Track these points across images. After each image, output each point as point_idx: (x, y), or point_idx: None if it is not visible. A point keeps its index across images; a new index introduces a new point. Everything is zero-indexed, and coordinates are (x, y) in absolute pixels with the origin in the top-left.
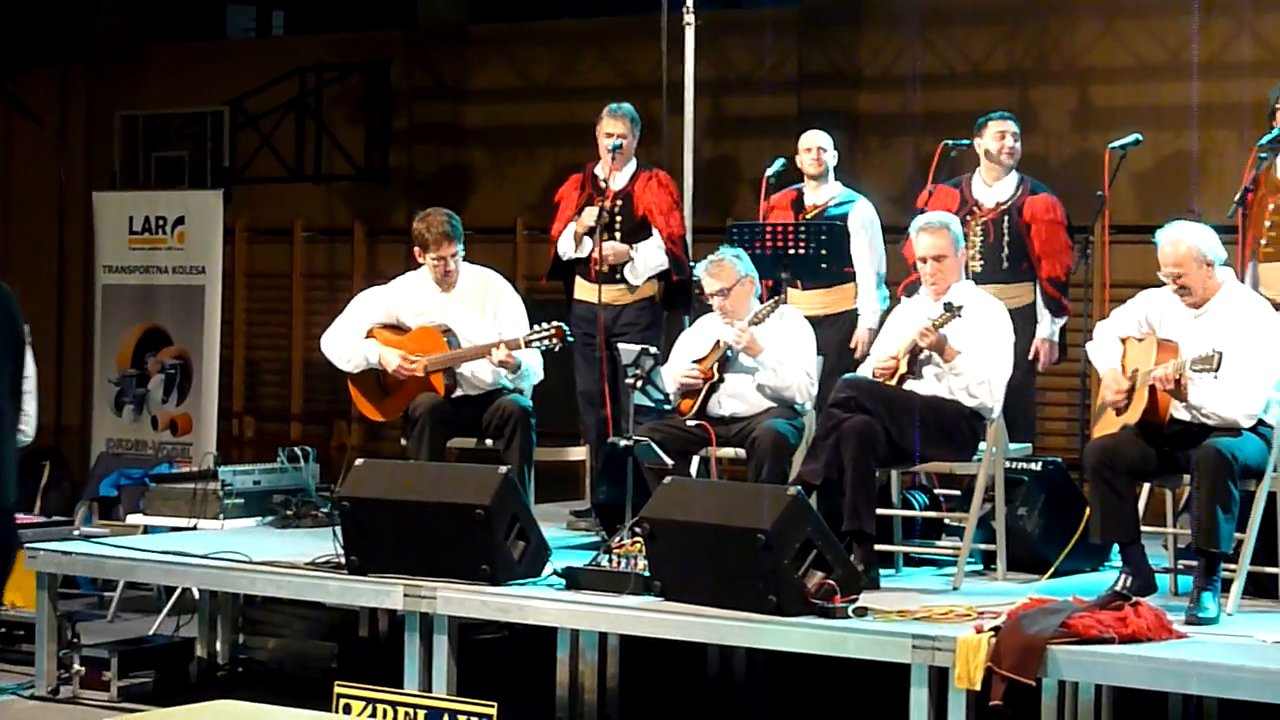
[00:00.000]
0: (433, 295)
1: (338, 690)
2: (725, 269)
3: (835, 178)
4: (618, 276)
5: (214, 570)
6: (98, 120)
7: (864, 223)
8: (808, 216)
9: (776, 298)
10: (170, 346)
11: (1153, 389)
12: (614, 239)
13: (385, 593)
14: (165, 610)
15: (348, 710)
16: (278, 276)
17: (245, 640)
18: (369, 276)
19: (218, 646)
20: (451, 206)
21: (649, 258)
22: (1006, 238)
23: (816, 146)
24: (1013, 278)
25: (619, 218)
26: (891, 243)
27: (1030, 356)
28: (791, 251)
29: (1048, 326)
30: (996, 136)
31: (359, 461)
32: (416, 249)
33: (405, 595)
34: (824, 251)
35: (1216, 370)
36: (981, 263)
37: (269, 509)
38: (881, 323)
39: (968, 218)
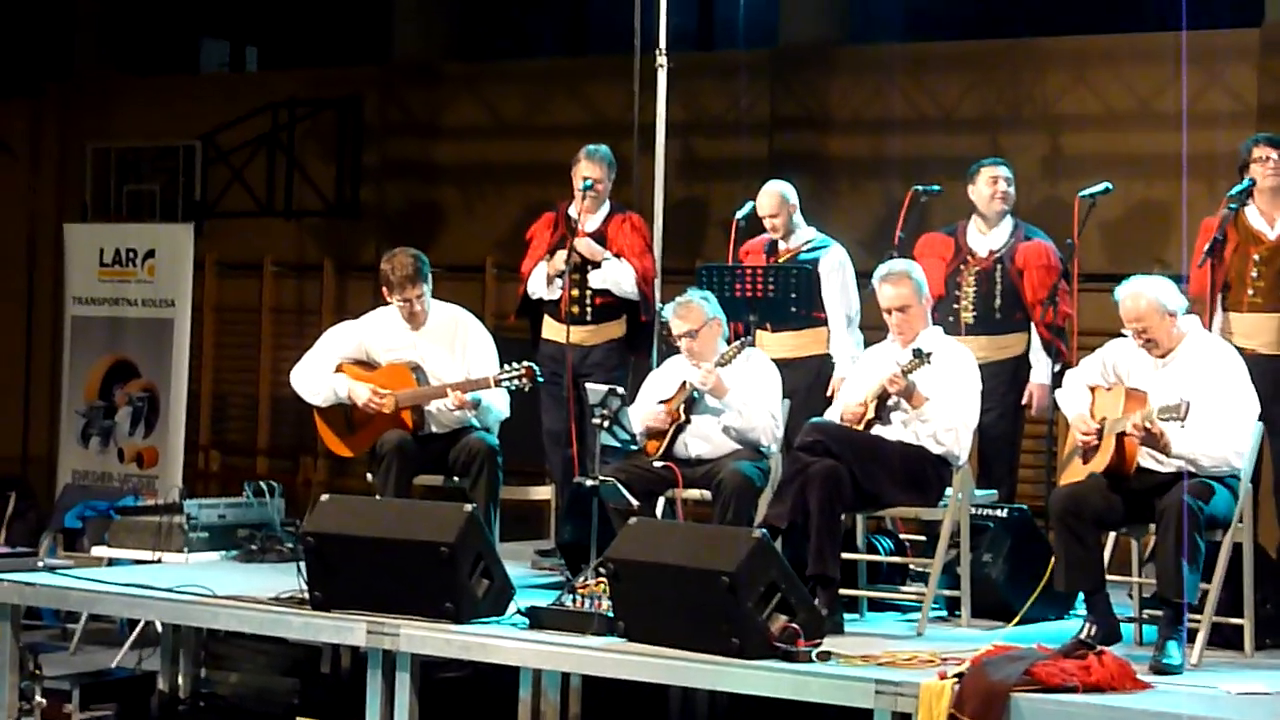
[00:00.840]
0: (403, 332)
1: None
2: (693, 311)
3: (807, 222)
4: (587, 318)
5: (177, 604)
6: (70, 152)
7: (836, 266)
8: (780, 262)
9: (743, 339)
10: (138, 379)
11: (1120, 438)
12: (588, 284)
13: (348, 629)
14: (128, 643)
15: None
16: (247, 311)
17: (207, 674)
18: (338, 312)
19: (180, 680)
20: (421, 243)
21: (620, 272)
22: (999, 286)
23: (771, 212)
24: (1006, 328)
25: (589, 264)
26: (860, 288)
27: (1024, 402)
28: (760, 294)
29: (1043, 371)
30: (989, 182)
31: (324, 497)
32: (384, 288)
33: (368, 632)
34: (793, 295)
35: (1183, 419)
36: (974, 313)
37: (234, 543)
38: None
39: (961, 267)
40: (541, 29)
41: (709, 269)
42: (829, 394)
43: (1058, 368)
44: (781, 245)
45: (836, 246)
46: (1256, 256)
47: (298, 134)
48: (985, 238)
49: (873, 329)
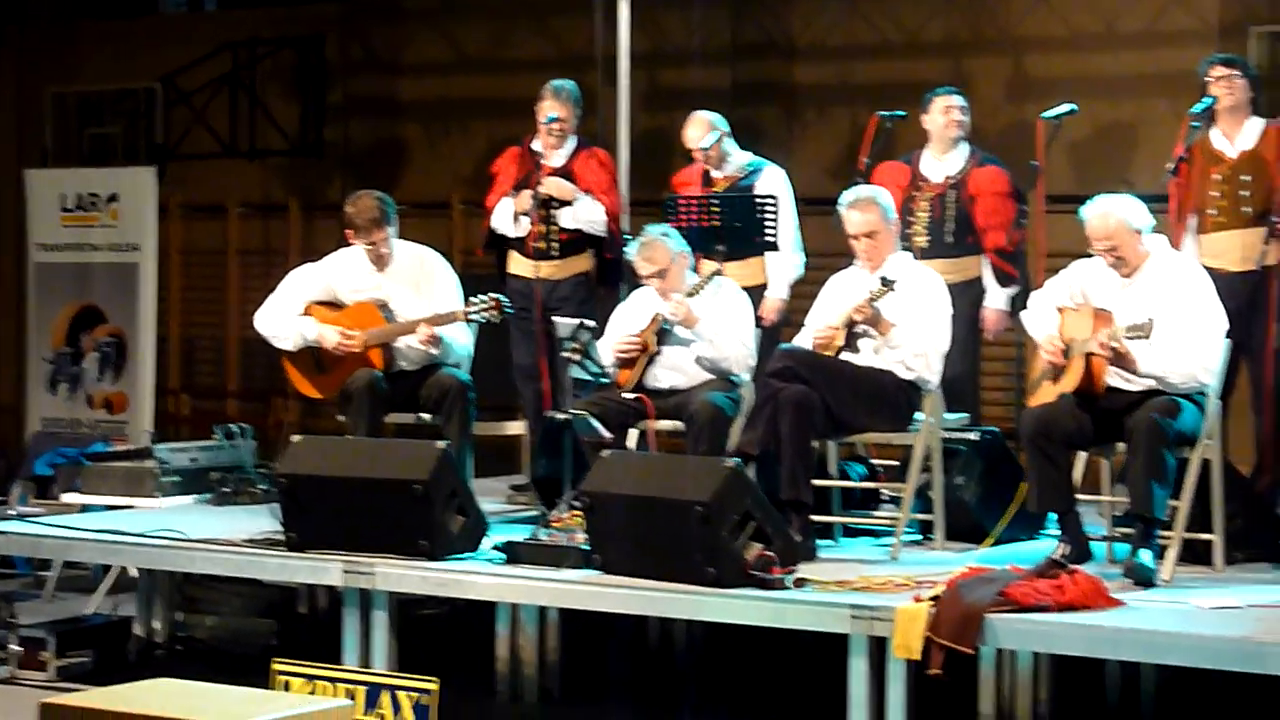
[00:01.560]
0: (368, 272)
1: (277, 667)
2: (658, 250)
3: (741, 147)
4: (553, 253)
5: (151, 549)
6: (29, 97)
7: (778, 189)
8: (717, 191)
9: (714, 270)
10: (105, 324)
11: (1088, 358)
12: (551, 214)
13: (324, 569)
14: (103, 589)
15: (287, 687)
16: (213, 253)
17: (184, 618)
18: (305, 252)
19: (156, 625)
20: (386, 181)
21: (593, 211)
22: (951, 211)
23: (696, 149)
24: (958, 252)
25: (556, 201)
26: (826, 214)
27: (980, 328)
28: (727, 224)
29: (995, 296)
30: (943, 111)
31: (296, 438)
32: (348, 231)
33: (344, 571)
34: (761, 222)
35: (1148, 336)
36: (927, 238)
37: (206, 486)
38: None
39: (914, 193)
40: None
41: (674, 200)
42: (759, 316)
43: (1013, 291)
44: (716, 174)
45: (773, 166)
46: (1218, 176)
47: (259, 74)
48: (940, 164)
49: (820, 255)
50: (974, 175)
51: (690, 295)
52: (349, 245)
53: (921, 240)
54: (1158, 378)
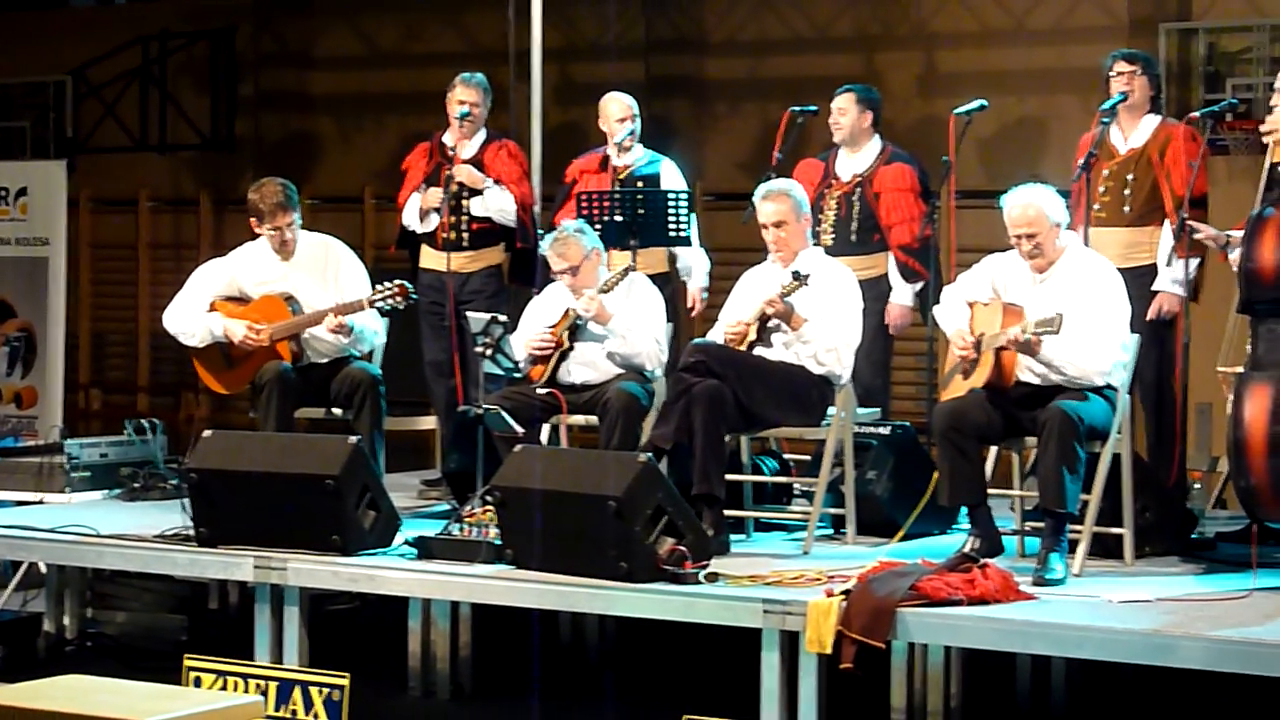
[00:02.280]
0: (273, 264)
1: (188, 663)
2: (571, 247)
3: (653, 141)
4: (464, 244)
5: (61, 544)
6: None
7: (677, 183)
8: (619, 178)
9: (627, 266)
10: (14, 319)
11: (998, 353)
12: (461, 204)
13: (235, 564)
14: (12, 585)
15: (198, 683)
16: (123, 247)
17: (94, 614)
18: (216, 246)
19: (66, 621)
20: (298, 175)
21: (503, 200)
22: (856, 209)
23: (623, 116)
24: (862, 249)
25: (469, 188)
26: (738, 209)
27: (885, 323)
28: (640, 217)
29: (900, 292)
30: (833, 112)
31: (207, 433)
32: (252, 219)
33: (255, 567)
34: (673, 215)
35: (1057, 331)
36: (833, 236)
37: (117, 482)
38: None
39: (825, 191)
40: None
41: (588, 195)
42: (689, 305)
43: (918, 287)
44: (616, 160)
45: (668, 160)
46: (1106, 171)
47: (170, 67)
48: (851, 160)
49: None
50: (880, 173)
51: (603, 291)
52: (255, 238)
53: (827, 238)
54: (1056, 367)
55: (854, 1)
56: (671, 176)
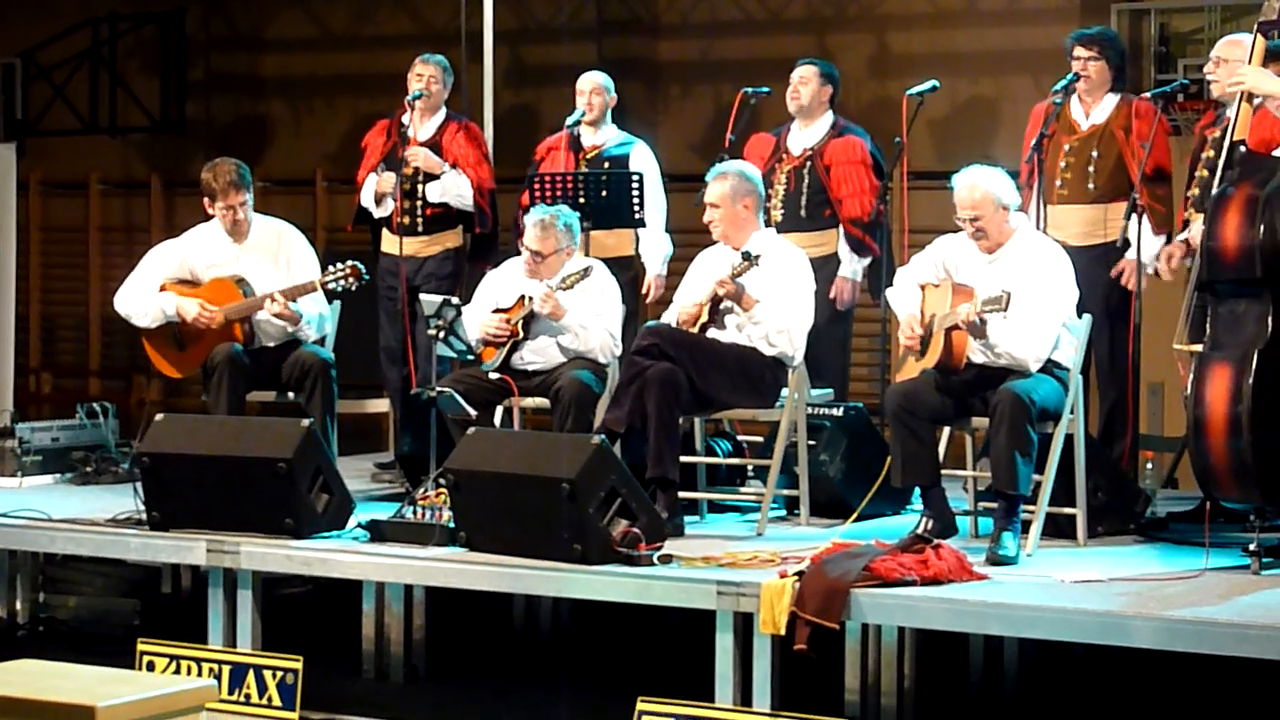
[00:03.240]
0: (225, 246)
1: (141, 647)
2: (550, 237)
3: (614, 120)
4: (418, 229)
5: (12, 529)
6: None
7: (649, 164)
8: (587, 158)
9: (587, 265)
10: None
11: (948, 333)
12: (418, 195)
13: (188, 548)
14: None
15: (151, 667)
16: (74, 230)
17: (46, 599)
18: (167, 229)
19: (18, 606)
20: (250, 157)
21: (460, 184)
22: (806, 182)
23: (592, 87)
24: (812, 225)
25: (423, 172)
26: (691, 191)
27: (830, 295)
28: (594, 200)
29: (847, 265)
30: (790, 86)
31: (159, 416)
32: (205, 199)
33: (208, 550)
34: (629, 198)
35: (1005, 309)
36: (782, 210)
37: (68, 466)
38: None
39: (775, 165)
40: None
41: (542, 177)
42: (643, 293)
43: (867, 261)
44: (587, 140)
45: (642, 143)
46: (1067, 146)
47: (120, 49)
48: (802, 135)
49: (689, 232)
50: (831, 145)
51: (561, 289)
52: (207, 220)
53: (776, 213)
54: (991, 352)
55: None
56: (641, 159)
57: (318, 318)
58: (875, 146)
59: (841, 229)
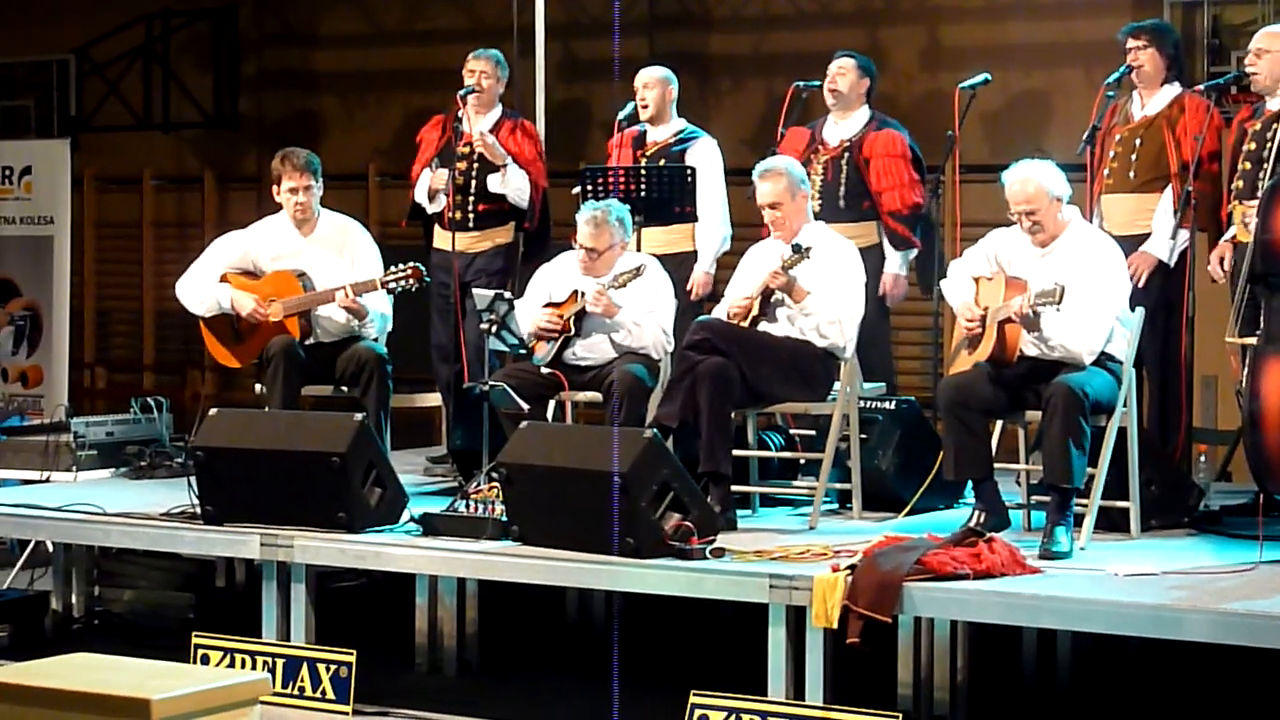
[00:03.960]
0: (291, 238)
1: (195, 641)
2: (604, 232)
3: (687, 120)
4: (469, 224)
5: (68, 522)
6: None
7: (708, 159)
8: (648, 154)
9: (640, 263)
10: (19, 298)
11: (1001, 327)
12: (470, 190)
13: (241, 542)
14: (19, 564)
15: (205, 661)
16: (127, 226)
17: (101, 592)
18: (219, 225)
19: (73, 599)
20: None
21: (517, 177)
22: (844, 174)
23: (646, 83)
24: (852, 216)
25: (476, 166)
26: (744, 185)
27: (880, 293)
28: (644, 195)
29: (894, 261)
30: (828, 77)
31: (213, 411)
32: (273, 187)
33: (262, 544)
34: (677, 193)
35: (1059, 303)
36: (820, 201)
37: (122, 460)
38: (720, 265)
39: (811, 156)
40: None
41: (592, 170)
42: (688, 289)
43: (912, 255)
44: (650, 137)
45: (707, 138)
46: (1118, 137)
47: (173, 45)
48: (838, 128)
49: (742, 226)
50: (869, 138)
51: (614, 287)
52: (269, 214)
53: (815, 204)
54: (1045, 345)
55: None
56: (699, 154)
57: (380, 316)
58: (912, 138)
59: (883, 224)
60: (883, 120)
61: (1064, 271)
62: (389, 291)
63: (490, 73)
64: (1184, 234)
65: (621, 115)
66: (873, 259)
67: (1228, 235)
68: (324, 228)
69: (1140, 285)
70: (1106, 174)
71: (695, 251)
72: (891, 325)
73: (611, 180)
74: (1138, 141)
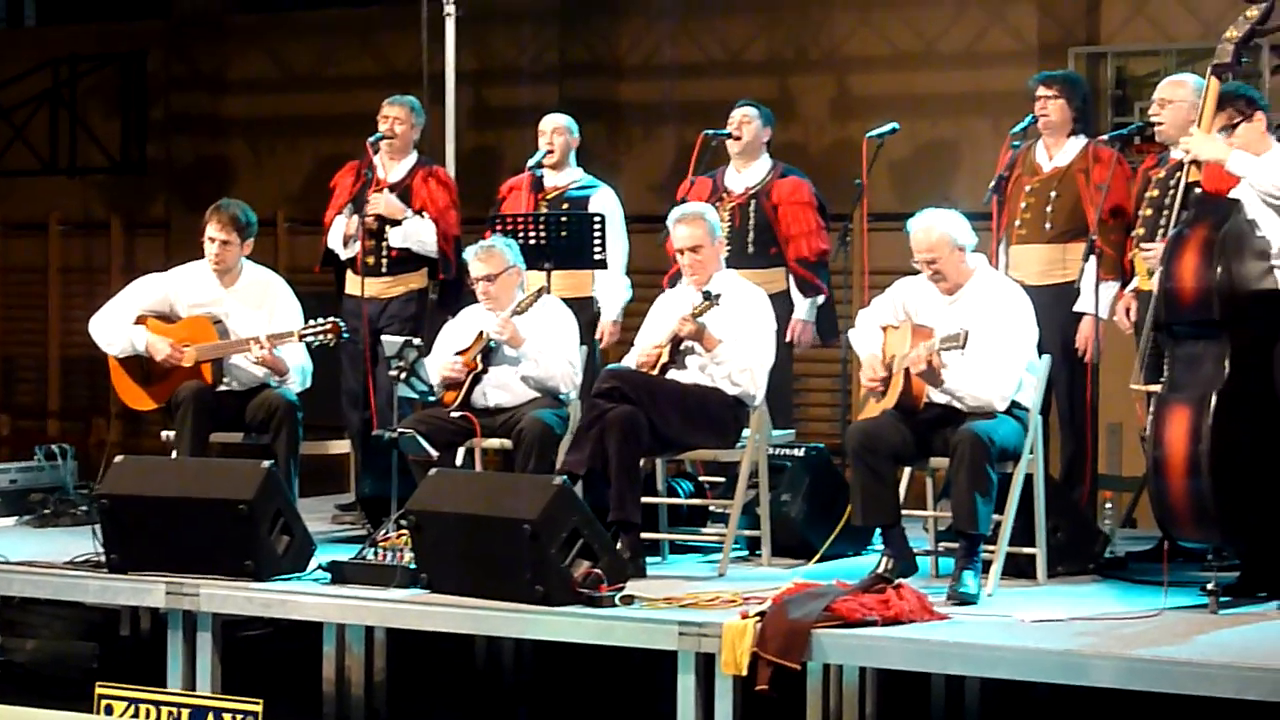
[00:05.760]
0: (211, 287)
1: (99, 691)
2: (494, 256)
3: (577, 162)
4: (382, 270)
5: None
6: None
7: (611, 207)
8: (547, 199)
9: (540, 288)
10: None
11: (908, 373)
12: (384, 235)
13: (147, 590)
14: None
15: (109, 711)
16: (33, 271)
17: (3, 641)
18: (127, 270)
19: None
20: (211, 198)
21: (422, 230)
22: (752, 220)
23: (555, 128)
24: (760, 263)
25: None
26: (654, 232)
27: (788, 339)
28: (555, 241)
29: (802, 308)
30: (734, 121)
31: (118, 458)
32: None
33: (167, 593)
34: (591, 239)
35: (963, 347)
36: (728, 248)
37: (26, 508)
38: (625, 313)
39: (716, 204)
40: None
41: (503, 218)
42: (596, 337)
43: (818, 301)
44: (549, 181)
45: (607, 187)
46: (1028, 188)
47: (80, 90)
48: (741, 176)
49: (649, 273)
50: (776, 185)
51: (517, 314)
52: (177, 262)
53: (723, 251)
54: (955, 396)
55: (767, 25)
56: (603, 203)
57: (300, 370)
58: (817, 188)
59: (790, 271)
60: (786, 168)
61: (971, 319)
62: (306, 345)
63: (404, 119)
64: (1107, 286)
65: (532, 163)
66: (780, 305)
67: (1132, 285)
68: (245, 280)
69: (1081, 348)
70: (1018, 224)
71: (593, 297)
72: (799, 373)
73: (521, 225)
74: (1052, 194)
